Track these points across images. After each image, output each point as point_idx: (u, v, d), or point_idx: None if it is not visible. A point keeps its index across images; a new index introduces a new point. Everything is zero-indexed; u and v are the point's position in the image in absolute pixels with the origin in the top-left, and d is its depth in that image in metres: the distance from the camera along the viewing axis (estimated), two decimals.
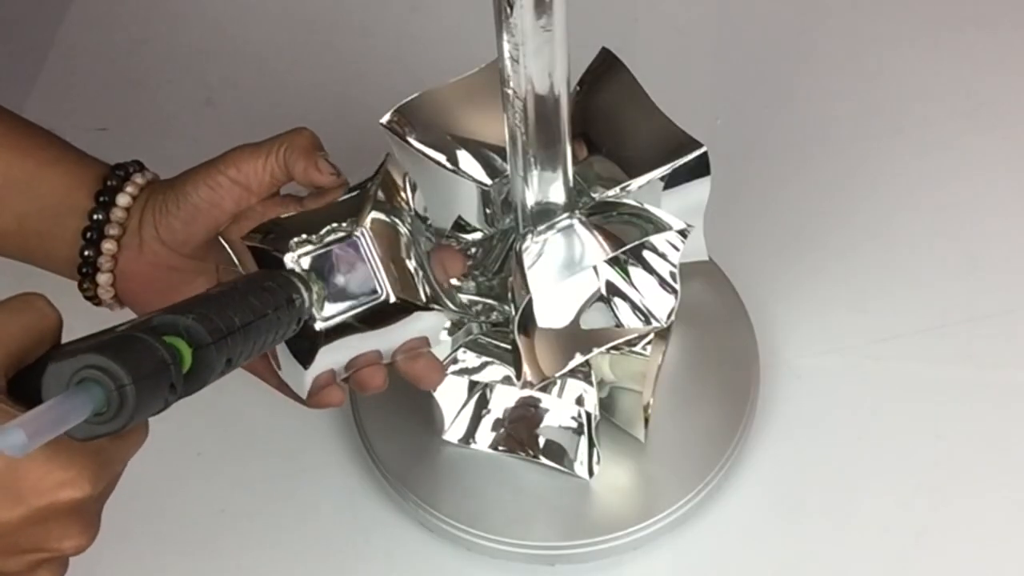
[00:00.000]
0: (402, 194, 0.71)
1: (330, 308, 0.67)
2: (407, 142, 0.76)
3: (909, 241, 0.92)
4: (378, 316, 0.68)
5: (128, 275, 0.70)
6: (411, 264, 0.70)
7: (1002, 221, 0.93)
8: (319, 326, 0.67)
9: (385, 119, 0.77)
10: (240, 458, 0.86)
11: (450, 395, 0.81)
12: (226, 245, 0.70)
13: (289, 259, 0.67)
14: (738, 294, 0.88)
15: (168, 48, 1.08)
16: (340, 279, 0.67)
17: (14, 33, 1.10)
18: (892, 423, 0.85)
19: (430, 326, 0.71)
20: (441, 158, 0.76)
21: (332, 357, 0.69)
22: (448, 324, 0.72)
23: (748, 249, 0.91)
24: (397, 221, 0.70)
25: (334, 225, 0.68)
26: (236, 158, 0.69)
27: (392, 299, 0.68)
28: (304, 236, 0.67)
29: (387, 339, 0.70)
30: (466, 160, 0.76)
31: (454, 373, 0.79)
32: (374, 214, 0.68)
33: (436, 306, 0.70)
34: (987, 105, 0.99)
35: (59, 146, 0.71)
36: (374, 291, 0.67)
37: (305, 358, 0.68)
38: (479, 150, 0.77)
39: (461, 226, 0.78)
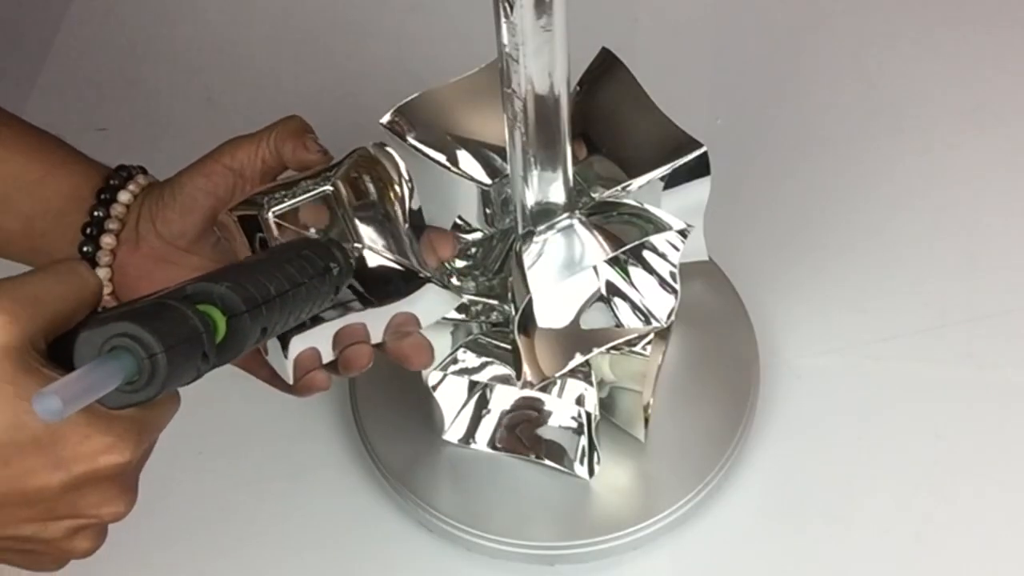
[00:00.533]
0: (396, 189, 0.70)
1: None
2: (407, 142, 0.76)
3: (909, 241, 0.92)
4: (358, 278, 0.66)
5: (125, 270, 0.70)
6: (396, 236, 0.68)
7: (1002, 221, 0.93)
8: None
9: (385, 119, 0.77)
10: (240, 458, 0.86)
11: (450, 395, 0.81)
12: (217, 230, 0.70)
13: (263, 215, 0.66)
14: (738, 294, 0.88)
15: (168, 48, 1.08)
16: (312, 233, 0.66)
17: (14, 33, 1.10)
18: (892, 423, 0.85)
19: (420, 304, 0.69)
20: (441, 158, 0.76)
21: (317, 331, 0.67)
22: (441, 306, 0.71)
23: (748, 249, 0.91)
24: (384, 222, 0.68)
25: (308, 183, 0.67)
26: (230, 147, 0.70)
27: (366, 253, 0.66)
28: (280, 194, 0.67)
29: (372, 314, 0.68)
30: (466, 160, 0.76)
31: (454, 373, 0.79)
32: (358, 214, 0.68)
33: (418, 267, 0.68)
34: (987, 105, 0.99)
35: (66, 150, 0.72)
36: (349, 243, 0.66)
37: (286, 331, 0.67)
38: (479, 150, 0.77)
39: (461, 226, 0.78)
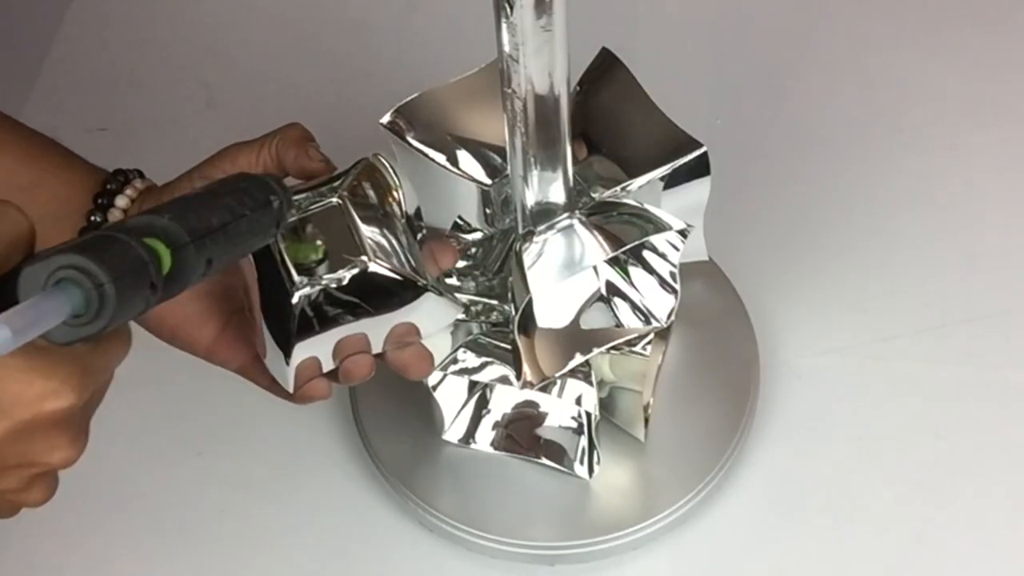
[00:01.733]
0: (394, 194, 0.69)
1: (311, 278, 0.65)
2: (407, 142, 0.76)
3: (909, 241, 0.92)
4: (361, 289, 0.66)
5: None
6: (400, 248, 0.68)
7: (1002, 221, 0.93)
8: (299, 295, 0.65)
9: (385, 119, 0.77)
10: (240, 458, 0.86)
11: (450, 395, 0.81)
12: None
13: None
14: (738, 294, 0.88)
15: (168, 48, 1.08)
16: (321, 245, 0.66)
17: (14, 33, 1.10)
18: (892, 423, 0.85)
19: (421, 314, 0.69)
20: (441, 158, 0.76)
21: (319, 340, 0.67)
22: (441, 316, 0.70)
23: (748, 249, 0.91)
24: (387, 231, 0.68)
25: (313, 194, 0.67)
26: (230, 153, 0.69)
27: (372, 266, 0.66)
28: None
29: (373, 323, 0.68)
30: (466, 160, 0.76)
31: (454, 373, 0.79)
32: (364, 227, 0.67)
33: (420, 279, 0.68)
34: (987, 105, 0.99)
35: (62, 153, 0.72)
36: (355, 256, 0.66)
37: (287, 340, 0.66)
38: (479, 150, 0.77)
39: (461, 226, 0.78)
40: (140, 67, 1.07)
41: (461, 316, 0.78)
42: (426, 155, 0.76)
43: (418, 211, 0.71)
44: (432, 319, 0.70)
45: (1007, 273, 0.90)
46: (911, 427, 0.84)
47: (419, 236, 0.71)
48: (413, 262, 0.68)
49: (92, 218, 0.69)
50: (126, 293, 0.48)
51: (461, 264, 0.79)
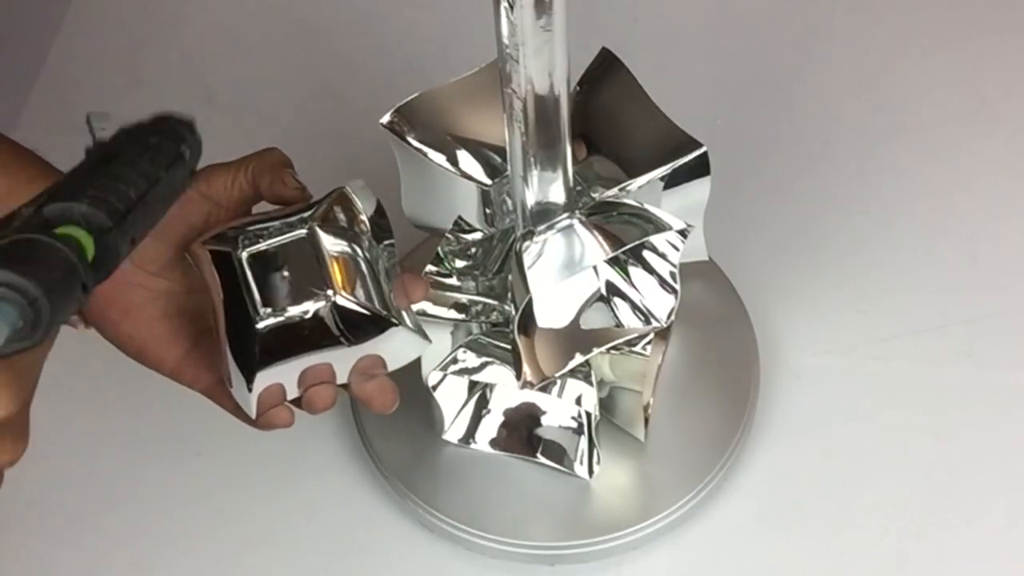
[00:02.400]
0: (361, 216, 0.69)
1: (276, 309, 0.65)
2: (407, 142, 0.77)
3: (909, 241, 0.92)
4: (327, 322, 0.66)
5: (93, 293, 0.69)
6: (368, 281, 0.68)
7: (1002, 222, 0.93)
8: (263, 325, 0.65)
9: (385, 119, 0.77)
10: (240, 458, 0.86)
11: (450, 395, 0.81)
12: (189, 258, 0.69)
13: (237, 255, 0.66)
14: (738, 294, 0.88)
15: (168, 48, 1.08)
16: (288, 276, 0.66)
17: (14, 33, 1.10)
18: (892, 423, 0.85)
19: (387, 347, 0.69)
20: (441, 158, 0.76)
21: (282, 369, 0.67)
22: (408, 350, 0.70)
23: (748, 249, 0.91)
24: (356, 248, 0.67)
25: (284, 223, 0.67)
26: (206, 174, 0.69)
27: (338, 300, 0.66)
28: (254, 232, 0.66)
29: (339, 355, 0.68)
30: (466, 160, 0.76)
31: (454, 373, 0.79)
32: (331, 241, 0.67)
33: (387, 312, 0.67)
34: (988, 107, 0.99)
35: (37, 166, 0.71)
36: (322, 290, 0.66)
37: (250, 368, 0.66)
38: (479, 150, 0.77)
39: (461, 226, 0.78)
40: (140, 67, 1.07)
41: (460, 316, 0.78)
42: (426, 155, 0.76)
43: (390, 231, 0.70)
44: (399, 353, 0.70)
45: (1007, 273, 0.90)
46: (911, 427, 0.84)
47: (386, 251, 0.70)
48: (383, 294, 0.68)
49: None
50: (59, 300, 0.47)
51: (461, 264, 0.79)
